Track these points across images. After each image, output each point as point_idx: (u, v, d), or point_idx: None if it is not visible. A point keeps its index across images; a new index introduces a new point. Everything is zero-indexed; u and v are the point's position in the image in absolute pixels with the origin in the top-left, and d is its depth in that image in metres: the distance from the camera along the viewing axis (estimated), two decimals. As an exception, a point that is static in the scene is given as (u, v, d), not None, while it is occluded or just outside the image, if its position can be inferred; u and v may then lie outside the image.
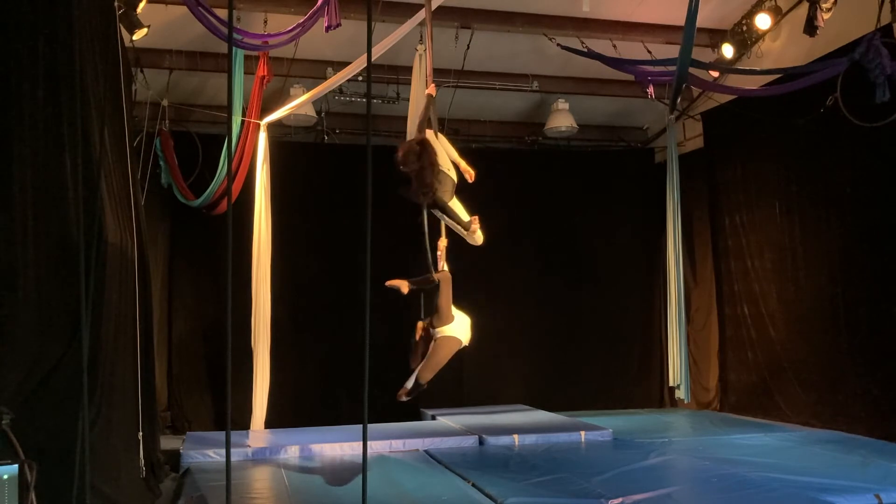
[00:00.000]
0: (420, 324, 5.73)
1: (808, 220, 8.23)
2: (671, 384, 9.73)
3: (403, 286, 5.53)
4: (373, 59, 3.12)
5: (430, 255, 5.68)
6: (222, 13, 5.82)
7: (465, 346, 5.74)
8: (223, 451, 5.40)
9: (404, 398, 5.71)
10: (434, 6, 6.35)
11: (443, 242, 6.01)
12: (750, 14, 8.41)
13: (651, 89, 7.57)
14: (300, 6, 7.27)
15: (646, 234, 10.74)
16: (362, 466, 2.77)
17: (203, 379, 9.24)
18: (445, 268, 5.93)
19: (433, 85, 6.13)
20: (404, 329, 5.97)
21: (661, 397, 10.58)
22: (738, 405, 9.31)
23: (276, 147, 8.39)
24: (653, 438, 7.60)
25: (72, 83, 4.43)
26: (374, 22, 6.34)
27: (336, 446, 7.22)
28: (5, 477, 3.52)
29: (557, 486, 5.68)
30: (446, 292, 5.56)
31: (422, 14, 6.44)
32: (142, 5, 6.71)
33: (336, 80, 7.56)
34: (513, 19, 8.29)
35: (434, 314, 5.63)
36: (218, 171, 7.82)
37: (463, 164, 5.77)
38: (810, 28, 7.30)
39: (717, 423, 8.61)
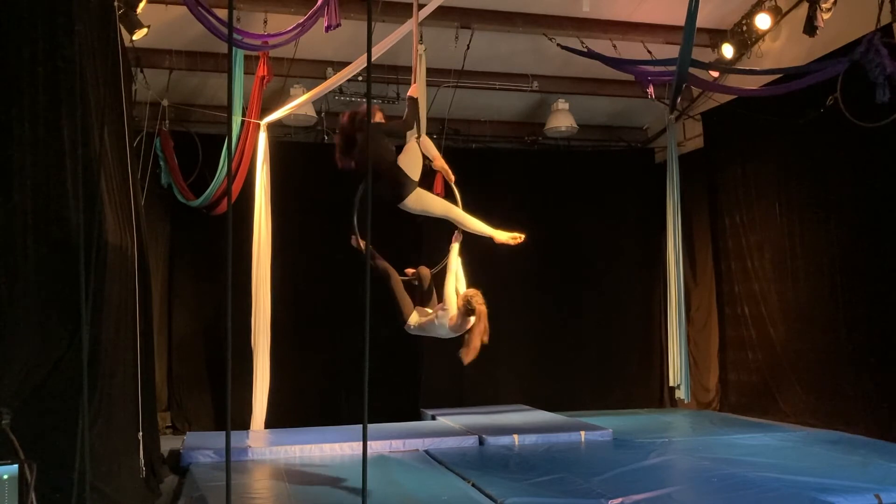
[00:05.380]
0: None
1: (808, 220, 8.23)
2: (671, 384, 9.74)
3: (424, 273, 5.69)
4: (373, 59, 3.12)
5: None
6: (222, 13, 5.83)
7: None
8: (223, 451, 5.40)
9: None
10: (434, 6, 6.34)
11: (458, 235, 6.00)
12: (750, 14, 8.41)
13: (651, 89, 7.59)
14: (300, 6, 7.27)
15: (646, 234, 10.74)
16: (362, 466, 2.77)
17: (203, 379, 9.23)
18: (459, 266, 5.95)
19: (414, 86, 5.89)
20: (405, 329, 5.97)
21: (661, 397, 10.58)
22: (738, 405, 9.31)
23: (276, 147, 8.40)
24: (653, 438, 7.60)
25: (72, 83, 4.42)
26: (374, 22, 6.34)
27: (336, 446, 7.22)
28: (5, 477, 3.52)
29: (557, 486, 5.67)
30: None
31: (422, 14, 6.43)
32: (142, 5, 6.71)
33: (336, 80, 7.56)
34: (513, 19, 8.29)
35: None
36: (218, 171, 7.82)
37: (442, 164, 5.68)
38: (810, 28, 7.30)
39: (717, 423, 8.61)
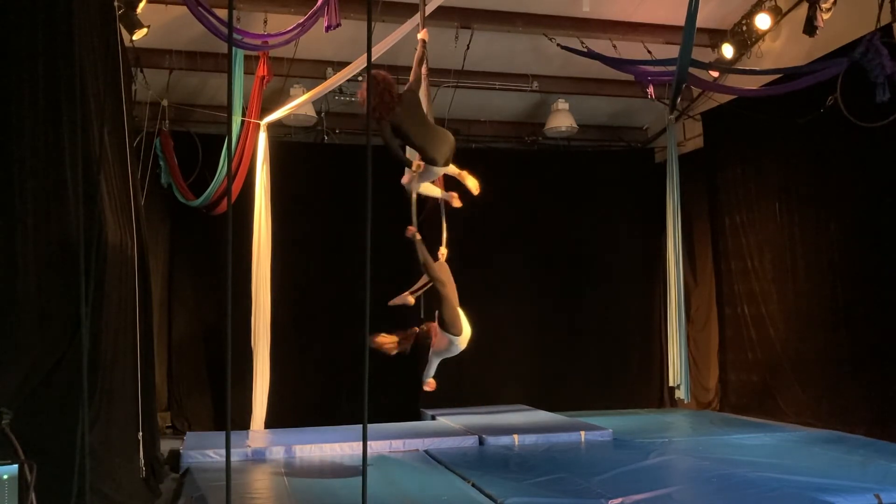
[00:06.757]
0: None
1: (808, 220, 8.23)
2: (671, 384, 9.73)
3: (409, 299, 5.62)
4: (373, 59, 3.12)
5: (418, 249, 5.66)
6: (222, 13, 5.83)
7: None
8: (223, 451, 5.40)
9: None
10: (435, 5, 6.34)
11: (443, 250, 6.03)
12: (750, 14, 8.42)
13: (651, 89, 7.59)
14: (300, 6, 7.27)
15: (646, 235, 10.74)
16: (362, 466, 2.77)
17: (203, 379, 9.23)
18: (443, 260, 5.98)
19: (425, 30, 6.02)
20: (405, 329, 5.97)
21: (661, 397, 10.57)
22: (738, 405, 9.31)
23: (276, 147, 8.40)
24: (653, 438, 7.60)
25: (72, 83, 4.43)
26: (374, 22, 6.32)
27: (336, 446, 7.22)
28: (5, 477, 3.52)
29: (557, 486, 5.67)
30: (450, 297, 5.63)
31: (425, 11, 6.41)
32: (142, 5, 6.72)
33: (336, 80, 7.56)
34: (513, 19, 8.29)
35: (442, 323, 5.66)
36: (218, 171, 7.82)
37: (457, 171, 5.77)
38: (810, 28, 7.30)
39: (717, 423, 8.61)
